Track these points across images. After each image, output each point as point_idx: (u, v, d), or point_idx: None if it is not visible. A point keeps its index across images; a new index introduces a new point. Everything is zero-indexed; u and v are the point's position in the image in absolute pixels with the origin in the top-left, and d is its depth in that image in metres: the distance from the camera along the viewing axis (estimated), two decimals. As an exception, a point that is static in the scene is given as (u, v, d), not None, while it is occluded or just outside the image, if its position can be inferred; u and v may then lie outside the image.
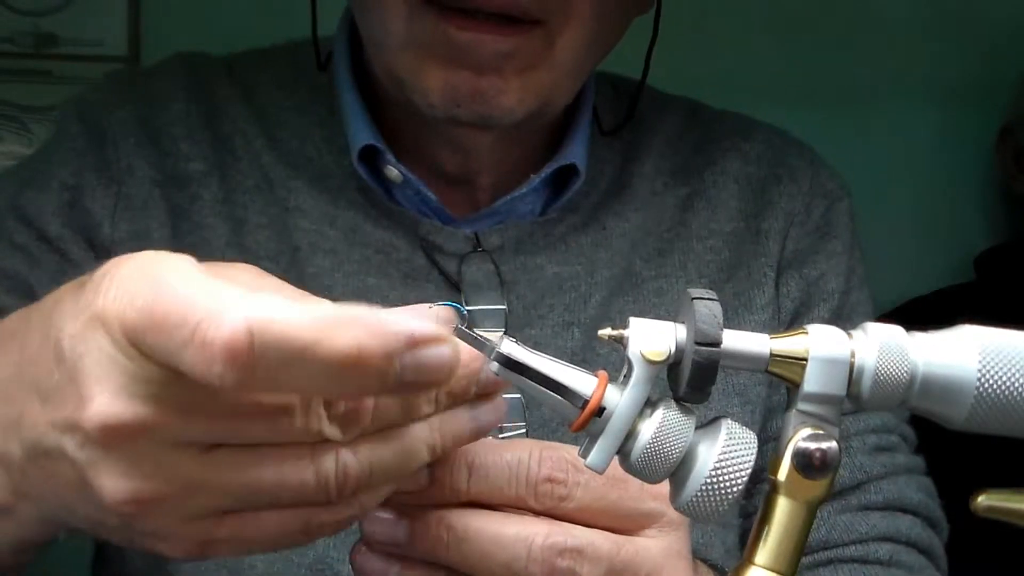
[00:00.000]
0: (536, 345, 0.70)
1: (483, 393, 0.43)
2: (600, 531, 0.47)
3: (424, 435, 0.41)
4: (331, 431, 0.37)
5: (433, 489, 0.45)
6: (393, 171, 0.69)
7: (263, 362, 0.32)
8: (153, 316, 0.33)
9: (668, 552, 0.48)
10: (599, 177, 0.76)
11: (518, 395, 0.66)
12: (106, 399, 0.35)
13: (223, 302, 0.32)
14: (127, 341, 0.34)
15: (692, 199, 0.77)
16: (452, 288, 0.70)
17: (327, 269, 0.70)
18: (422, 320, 0.34)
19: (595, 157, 0.75)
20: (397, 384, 0.34)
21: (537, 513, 0.46)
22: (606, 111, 0.78)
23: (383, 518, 0.46)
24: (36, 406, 0.38)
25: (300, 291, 0.41)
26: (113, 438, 0.35)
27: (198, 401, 0.35)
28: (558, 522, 0.46)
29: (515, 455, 0.46)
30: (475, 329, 0.67)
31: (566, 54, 0.65)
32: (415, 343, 0.33)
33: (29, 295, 0.65)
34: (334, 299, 0.69)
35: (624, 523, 0.48)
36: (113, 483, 0.36)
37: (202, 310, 0.32)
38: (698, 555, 0.59)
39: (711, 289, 0.39)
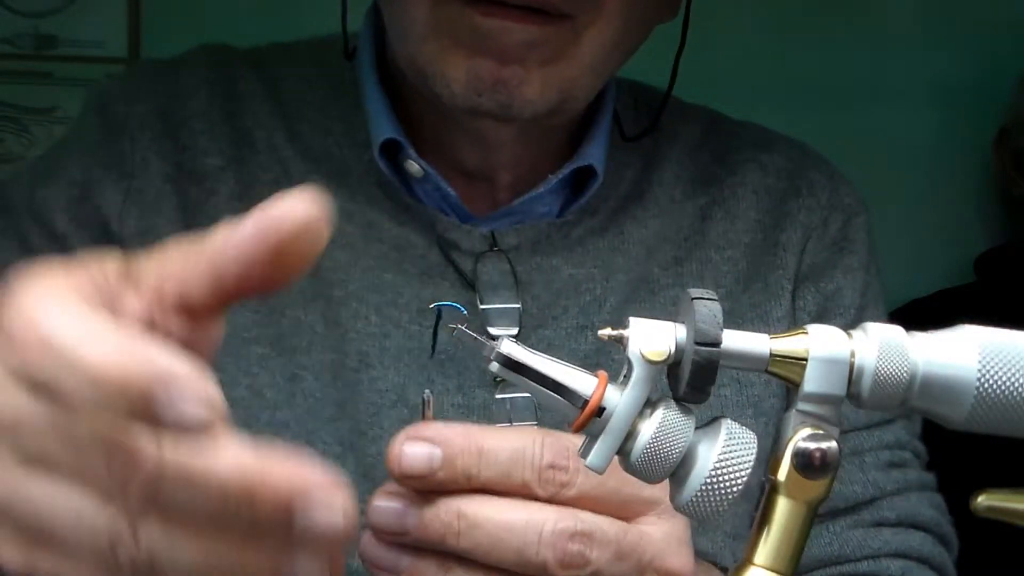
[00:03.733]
0: (550, 347, 0.70)
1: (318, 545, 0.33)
2: (605, 516, 0.47)
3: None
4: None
5: (443, 472, 0.46)
6: (414, 165, 0.69)
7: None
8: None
9: (669, 537, 0.49)
10: (618, 182, 0.76)
11: (530, 395, 0.66)
12: None
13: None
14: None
15: (711, 208, 0.76)
16: (467, 286, 0.69)
17: (343, 264, 0.69)
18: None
19: (615, 162, 0.75)
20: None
21: (541, 500, 0.47)
22: (627, 119, 0.78)
23: (392, 507, 0.46)
24: None
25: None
26: None
27: (38, 412, 0.33)
28: (566, 508, 0.47)
29: (520, 441, 0.47)
30: (488, 328, 0.68)
31: (591, 50, 0.65)
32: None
33: None
34: (350, 294, 0.69)
35: (623, 510, 0.48)
36: None
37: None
38: (708, 561, 0.60)
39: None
